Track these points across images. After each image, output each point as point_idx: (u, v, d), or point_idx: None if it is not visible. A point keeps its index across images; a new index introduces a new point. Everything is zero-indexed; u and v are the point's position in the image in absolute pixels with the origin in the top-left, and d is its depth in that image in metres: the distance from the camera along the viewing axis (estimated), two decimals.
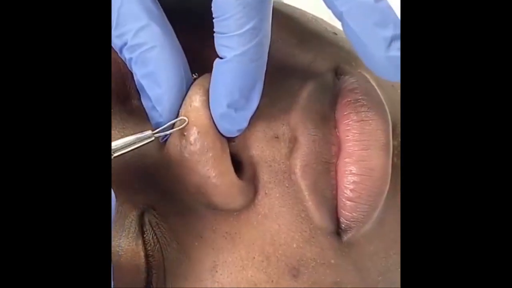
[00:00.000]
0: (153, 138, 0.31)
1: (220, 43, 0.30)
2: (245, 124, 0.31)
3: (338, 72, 0.35)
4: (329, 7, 0.29)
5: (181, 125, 0.31)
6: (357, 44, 0.29)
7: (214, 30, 0.30)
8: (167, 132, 0.31)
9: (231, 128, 0.31)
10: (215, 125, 0.31)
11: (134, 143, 0.30)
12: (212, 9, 0.30)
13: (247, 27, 0.29)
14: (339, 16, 0.29)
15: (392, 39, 0.28)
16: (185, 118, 0.31)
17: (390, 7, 0.29)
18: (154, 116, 0.31)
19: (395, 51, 0.28)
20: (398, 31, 0.28)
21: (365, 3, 0.28)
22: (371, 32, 0.28)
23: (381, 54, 0.28)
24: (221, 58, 0.30)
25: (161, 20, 0.31)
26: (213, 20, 0.30)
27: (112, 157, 0.30)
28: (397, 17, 0.29)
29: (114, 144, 0.30)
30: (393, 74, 0.29)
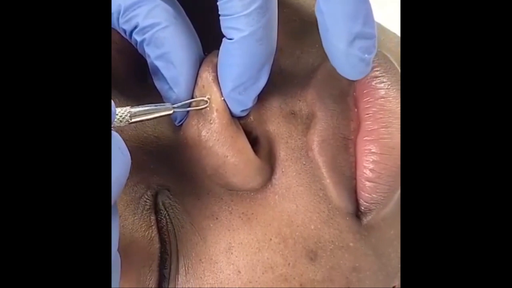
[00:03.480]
0: (172, 111, 0.30)
1: (227, 25, 0.29)
2: (251, 104, 0.31)
3: None
4: None
5: (200, 105, 0.30)
6: (322, 27, 0.28)
7: (219, 13, 0.29)
8: (187, 109, 0.31)
9: (236, 108, 0.30)
10: None
11: (152, 112, 0.30)
12: None
13: (254, 6, 0.28)
14: None
15: (356, 37, 0.27)
16: (205, 99, 0.30)
17: (366, 1, 0.28)
18: (171, 97, 0.31)
19: (356, 49, 0.27)
20: (369, 30, 0.27)
21: None
22: (338, 20, 0.27)
23: (341, 47, 0.27)
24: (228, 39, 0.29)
25: (171, 1, 0.31)
26: (218, 3, 0.29)
27: (128, 123, 0.29)
28: (371, 15, 0.28)
29: (133, 110, 0.29)
30: (348, 72, 0.28)
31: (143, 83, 0.33)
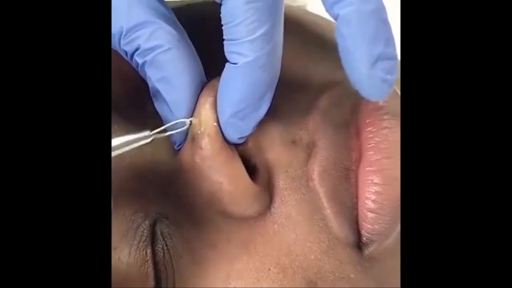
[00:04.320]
0: (150, 139, 0.30)
1: (231, 50, 0.29)
2: (249, 132, 0.30)
3: None
4: (327, 11, 0.28)
5: (177, 127, 0.30)
6: (342, 48, 0.27)
7: (224, 37, 0.29)
8: (165, 134, 0.30)
9: (233, 135, 0.30)
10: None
11: (131, 143, 0.29)
12: (221, 15, 0.29)
13: (259, 32, 0.28)
14: (335, 18, 0.28)
15: (379, 58, 0.27)
16: (186, 120, 0.30)
17: (387, 21, 0.27)
18: (171, 121, 0.30)
19: (378, 71, 0.27)
20: (391, 51, 0.27)
21: (363, 12, 0.27)
22: (360, 42, 0.27)
23: (363, 69, 0.27)
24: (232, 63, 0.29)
25: (174, 24, 0.30)
26: (222, 28, 0.29)
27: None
28: (392, 36, 0.27)
29: (113, 143, 0.29)
30: (371, 93, 0.28)
31: (142, 109, 0.33)
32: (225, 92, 0.29)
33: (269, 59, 0.28)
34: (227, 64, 0.29)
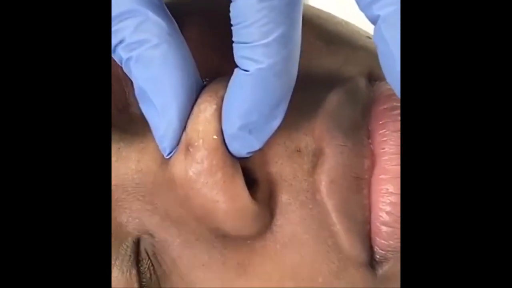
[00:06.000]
0: None
1: (241, 54, 0.26)
2: (259, 146, 0.27)
3: (371, 78, 0.31)
4: (363, 10, 0.25)
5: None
6: (384, 53, 0.24)
7: (233, 39, 0.26)
8: None
9: (240, 149, 0.27)
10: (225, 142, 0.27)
11: None
12: (231, 14, 0.25)
13: (274, 35, 0.25)
14: (373, 20, 0.25)
15: None
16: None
17: None
18: (159, 127, 0.27)
19: None
20: None
21: None
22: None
23: None
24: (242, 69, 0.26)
25: (165, 14, 0.27)
26: (232, 28, 0.26)
27: None
28: None
29: None
30: None
31: (124, 112, 0.30)
32: (233, 101, 0.26)
33: (285, 66, 0.25)
34: (236, 70, 0.26)
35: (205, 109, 0.26)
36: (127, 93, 0.30)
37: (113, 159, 0.28)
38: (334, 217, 0.27)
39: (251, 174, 0.28)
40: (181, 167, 0.27)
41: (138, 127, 0.29)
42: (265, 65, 0.25)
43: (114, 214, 0.28)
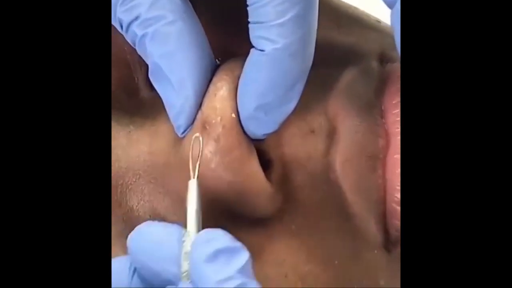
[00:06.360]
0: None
1: (257, 34, 0.25)
2: (275, 128, 0.27)
3: (383, 59, 0.30)
4: None
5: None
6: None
7: (249, 20, 0.26)
8: None
9: (257, 131, 0.26)
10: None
11: None
12: None
13: (290, 15, 0.25)
14: (391, 4, 0.24)
15: None
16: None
17: None
18: (175, 103, 0.27)
19: None
20: None
21: None
22: None
23: None
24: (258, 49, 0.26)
25: None
26: (248, 8, 0.25)
27: None
28: None
29: None
30: None
31: (135, 96, 0.30)
32: (249, 81, 0.26)
33: (301, 46, 0.25)
34: (252, 50, 0.26)
35: (222, 87, 0.26)
36: (136, 78, 0.29)
37: (124, 142, 0.28)
38: (349, 198, 0.27)
39: (265, 155, 0.27)
40: (195, 146, 0.26)
41: (148, 111, 0.29)
42: (280, 45, 0.25)
43: (125, 198, 0.28)
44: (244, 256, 0.24)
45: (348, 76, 0.28)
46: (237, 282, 0.23)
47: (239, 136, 0.26)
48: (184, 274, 0.24)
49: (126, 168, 0.28)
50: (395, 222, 0.27)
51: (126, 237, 0.27)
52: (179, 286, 0.24)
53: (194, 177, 0.25)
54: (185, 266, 0.24)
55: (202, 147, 0.26)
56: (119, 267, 0.25)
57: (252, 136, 0.27)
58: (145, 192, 0.28)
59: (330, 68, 0.29)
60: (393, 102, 0.28)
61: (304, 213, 0.27)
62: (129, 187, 0.28)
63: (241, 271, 0.23)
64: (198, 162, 0.26)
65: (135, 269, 0.25)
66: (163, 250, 0.25)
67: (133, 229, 0.27)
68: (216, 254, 0.23)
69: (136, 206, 0.28)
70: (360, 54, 0.30)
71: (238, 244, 0.24)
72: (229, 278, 0.23)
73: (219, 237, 0.24)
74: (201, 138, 0.26)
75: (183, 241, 0.25)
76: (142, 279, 0.25)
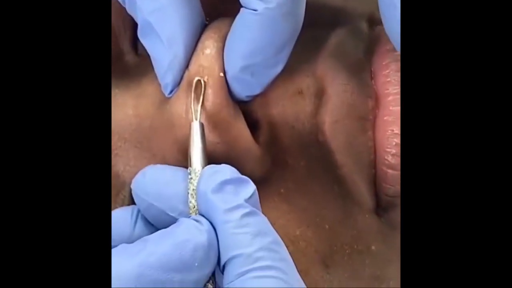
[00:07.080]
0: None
1: None
2: (260, 90, 0.26)
3: (372, 22, 0.30)
4: None
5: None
6: (385, 2, 0.24)
7: None
8: None
9: (240, 92, 0.26)
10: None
11: None
12: None
13: None
14: None
15: None
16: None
17: None
18: (165, 59, 0.26)
19: None
20: None
21: None
22: None
23: None
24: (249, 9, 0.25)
25: None
26: None
27: None
28: None
29: None
30: None
31: (117, 61, 0.29)
32: (237, 41, 0.25)
33: (293, 6, 0.25)
34: (242, 10, 0.25)
35: (210, 46, 0.26)
36: (120, 41, 0.29)
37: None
38: (338, 159, 0.26)
39: (252, 116, 0.27)
40: (181, 106, 0.26)
41: (134, 75, 0.28)
42: (273, 4, 0.24)
43: (113, 162, 0.27)
44: (251, 186, 0.24)
45: (337, 37, 0.28)
46: (246, 210, 0.23)
47: (227, 96, 0.25)
48: (192, 210, 0.24)
49: (112, 132, 0.27)
50: (386, 186, 0.27)
51: (112, 203, 0.27)
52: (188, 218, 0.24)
53: (196, 119, 0.25)
54: (192, 202, 0.24)
55: (204, 90, 0.25)
56: (120, 216, 0.25)
57: (235, 97, 0.26)
58: (131, 156, 0.27)
59: (318, 29, 0.28)
60: (383, 63, 0.27)
61: (293, 176, 0.27)
62: (115, 152, 0.27)
63: (249, 201, 0.23)
64: (200, 104, 0.25)
65: (137, 216, 0.25)
66: (169, 188, 0.24)
67: (117, 195, 0.27)
68: (223, 185, 0.23)
69: (122, 171, 0.27)
70: (349, 15, 0.29)
71: (244, 176, 0.24)
72: (238, 207, 0.23)
73: (225, 170, 0.24)
74: (202, 81, 0.25)
75: (190, 178, 0.24)
76: (146, 223, 0.25)
